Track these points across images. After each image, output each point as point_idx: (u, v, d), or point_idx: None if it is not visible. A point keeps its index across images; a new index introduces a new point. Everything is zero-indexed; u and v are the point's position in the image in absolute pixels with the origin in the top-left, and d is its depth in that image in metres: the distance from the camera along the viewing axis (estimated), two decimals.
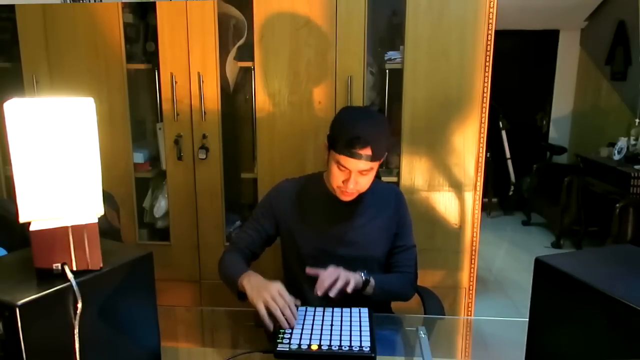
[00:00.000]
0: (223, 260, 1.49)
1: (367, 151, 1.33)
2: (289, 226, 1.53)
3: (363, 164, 1.34)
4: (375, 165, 1.38)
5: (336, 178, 1.40)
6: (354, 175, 1.36)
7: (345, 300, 1.40)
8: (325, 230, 1.50)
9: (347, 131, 1.34)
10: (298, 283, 1.53)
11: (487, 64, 1.93)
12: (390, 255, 1.55)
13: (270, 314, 1.21)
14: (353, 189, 1.39)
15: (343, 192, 1.41)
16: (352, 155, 1.33)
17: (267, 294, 1.23)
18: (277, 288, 1.25)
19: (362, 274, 1.36)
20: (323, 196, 1.50)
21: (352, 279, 1.31)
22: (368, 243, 1.50)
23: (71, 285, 0.83)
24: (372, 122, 1.37)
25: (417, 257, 1.58)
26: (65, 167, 0.87)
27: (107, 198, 1.47)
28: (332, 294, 1.27)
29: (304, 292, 1.49)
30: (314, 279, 1.48)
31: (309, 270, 1.33)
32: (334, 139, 1.37)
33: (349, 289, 1.30)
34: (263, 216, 1.55)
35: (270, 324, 1.20)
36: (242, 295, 1.33)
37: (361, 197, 1.48)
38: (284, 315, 1.21)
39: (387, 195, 1.55)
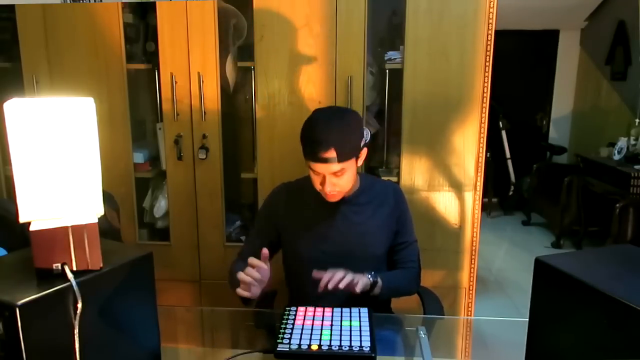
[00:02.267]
0: (230, 272, 1.51)
1: (332, 153, 1.32)
2: (288, 229, 1.54)
3: (333, 167, 1.34)
4: (347, 164, 1.36)
5: (315, 182, 1.42)
6: (328, 178, 1.37)
7: (349, 299, 1.40)
8: (323, 231, 1.50)
9: (308, 137, 1.35)
10: (300, 285, 1.53)
11: (487, 64, 1.93)
12: (393, 252, 1.56)
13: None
14: (332, 191, 1.40)
15: (327, 195, 1.42)
16: (318, 160, 1.34)
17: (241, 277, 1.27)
18: (245, 271, 1.28)
19: (370, 276, 1.36)
20: (320, 197, 1.51)
21: (360, 280, 1.31)
22: (368, 241, 1.50)
23: (71, 285, 0.83)
24: (333, 122, 1.35)
25: (419, 252, 1.58)
26: (65, 167, 0.87)
27: (107, 198, 1.47)
28: (339, 286, 1.28)
29: (306, 294, 1.49)
30: (315, 282, 1.48)
31: (315, 274, 1.32)
32: (302, 146, 1.39)
33: (358, 289, 1.30)
34: (264, 223, 1.57)
35: (250, 293, 1.26)
36: (246, 301, 1.35)
37: (358, 194, 1.49)
38: (252, 276, 1.25)
39: (385, 193, 1.55)
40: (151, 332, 1.05)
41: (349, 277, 1.30)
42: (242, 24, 2.10)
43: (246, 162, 2.40)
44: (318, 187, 1.42)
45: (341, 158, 1.33)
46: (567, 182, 4.13)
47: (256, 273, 1.25)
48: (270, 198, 1.59)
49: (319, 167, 1.35)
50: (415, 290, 1.58)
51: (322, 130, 1.33)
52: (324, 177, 1.38)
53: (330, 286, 1.27)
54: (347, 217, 1.50)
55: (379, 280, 1.38)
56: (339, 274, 1.29)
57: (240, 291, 1.26)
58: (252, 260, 1.27)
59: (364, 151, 1.44)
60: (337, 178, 1.38)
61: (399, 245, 1.55)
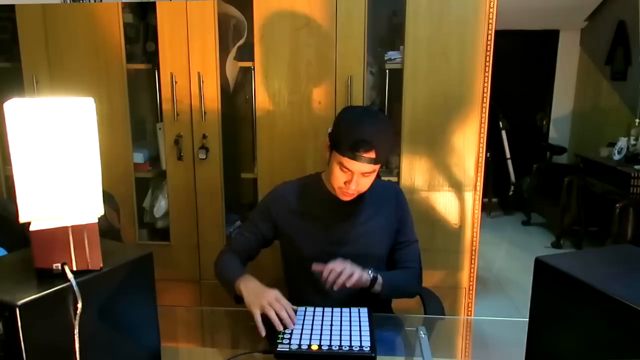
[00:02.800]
0: (219, 261, 1.50)
1: (371, 154, 1.32)
2: (289, 229, 1.53)
3: (366, 167, 1.34)
4: (377, 167, 1.38)
5: (338, 179, 1.39)
6: (356, 177, 1.36)
7: (349, 299, 1.40)
8: (325, 231, 1.50)
9: (352, 133, 1.33)
10: (299, 285, 1.53)
11: (487, 64, 1.93)
12: (393, 252, 1.56)
13: (265, 320, 1.22)
14: (354, 190, 1.39)
15: (344, 193, 1.41)
16: (356, 158, 1.32)
17: (265, 300, 1.24)
18: (274, 294, 1.27)
19: (370, 272, 1.36)
20: (322, 197, 1.51)
21: (357, 273, 1.31)
22: (369, 241, 1.50)
23: (71, 285, 0.83)
24: (377, 124, 1.36)
25: (420, 252, 1.58)
26: (65, 167, 0.87)
27: (107, 198, 1.47)
28: (335, 288, 1.28)
29: (306, 294, 1.49)
30: (315, 281, 1.48)
31: (315, 267, 1.32)
32: (338, 140, 1.36)
33: (350, 282, 1.29)
34: (260, 219, 1.55)
35: (262, 330, 1.20)
36: (239, 299, 1.34)
37: (361, 195, 1.48)
38: (281, 317, 1.21)
39: (386, 193, 1.55)
40: (151, 332, 1.05)
41: (348, 270, 1.29)
42: (242, 24, 2.10)
43: (246, 162, 2.40)
44: (339, 184, 1.39)
45: (378, 160, 1.34)
46: (567, 182, 4.13)
47: (290, 325, 1.22)
48: (271, 195, 1.58)
49: (353, 164, 1.34)
50: (417, 291, 1.58)
51: (367, 129, 1.33)
52: (351, 175, 1.36)
53: (330, 279, 1.27)
54: (348, 217, 1.50)
55: (379, 277, 1.38)
56: (339, 266, 1.29)
57: (260, 330, 1.21)
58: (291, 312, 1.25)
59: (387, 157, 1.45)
60: (364, 178, 1.38)
61: (399, 245, 1.54)
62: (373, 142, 1.31)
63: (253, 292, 1.29)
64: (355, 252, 1.49)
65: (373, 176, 1.40)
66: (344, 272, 1.29)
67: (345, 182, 1.38)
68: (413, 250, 1.55)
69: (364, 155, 1.32)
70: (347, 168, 1.35)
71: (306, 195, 1.54)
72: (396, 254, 1.55)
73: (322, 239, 1.49)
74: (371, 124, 1.35)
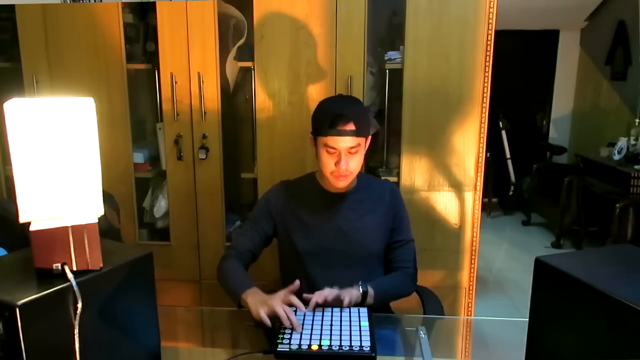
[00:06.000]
0: (223, 268, 1.48)
1: (351, 126, 1.36)
2: (286, 225, 1.54)
3: (350, 141, 1.37)
4: (361, 141, 1.41)
5: (327, 164, 1.42)
6: (343, 156, 1.39)
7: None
8: (321, 227, 1.51)
9: (328, 113, 1.39)
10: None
11: (487, 64, 1.93)
12: (388, 251, 1.56)
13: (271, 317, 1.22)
14: (345, 170, 1.40)
15: (337, 177, 1.42)
16: (338, 133, 1.36)
17: (271, 301, 1.25)
18: (279, 300, 1.26)
19: (360, 287, 1.36)
20: (317, 193, 1.52)
21: (347, 296, 1.31)
22: (364, 238, 1.51)
23: (71, 285, 0.83)
24: (350, 101, 1.45)
25: (415, 251, 1.58)
26: (65, 167, 0.87)
27: (107, 198, 1.47)
28: (327, 299, 1.30)
29: (302, 291, 1.49)
30: (311, 279, 1.49)
31: (306, 296, 1.31)
32: (318, 125, 1.41)
33: (345, 303, 1.31)
34: (261, 217, 1.56)
35: (268, 320, 1.21)
36: (242, 306, 1.35)
37: (355, 191, 1.50)
38: (290, 319, 1.21)
39: (381, 190, 1.56)
40: (151, 332, 1.05)
41: (335, 292, 1.31)
42: (242, 24, 2.10)
43: (246, 162, 2.40)
44: (330, 168, 1.41)
45: (359, 132, 1.38)
46: (567, 182, 4.12)
47: (295, 321, 1.22)
48: (269, 193, 1.60)
49: (337, 141, 1.37)
50: (412, 291, 1.58)
51: (342, 106, 1.41)
52: (339, 155, 1.39)
53: (319, 300, 1.28)
54: (344, 214, 1.51)
55: (370, 289, 1.38)
56: (326, 291, 1.31)
57: (266, 322, 1.22)
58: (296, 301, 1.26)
59: (369, 138, 1.47)
60: (352, 156, 1.40)
61: (395, 244, 1.55)
62: (349, 115, 1.37)
63: (259, 300, 1.28)
64: (350, 248, 1.50)
65: (360, 154, 1.43)
66: (331, 294, 1.30)
67: (335, 164, 1.40)
68: (408, 250, 1.56)
69: (344, 128, 1.36)
70: (332, 147, 1.39)
71: (302, 193, 1.56)
72: (391, 254, 1.56)
73: (317, 235, 1.50)
74: (343, 101, 1.45)
